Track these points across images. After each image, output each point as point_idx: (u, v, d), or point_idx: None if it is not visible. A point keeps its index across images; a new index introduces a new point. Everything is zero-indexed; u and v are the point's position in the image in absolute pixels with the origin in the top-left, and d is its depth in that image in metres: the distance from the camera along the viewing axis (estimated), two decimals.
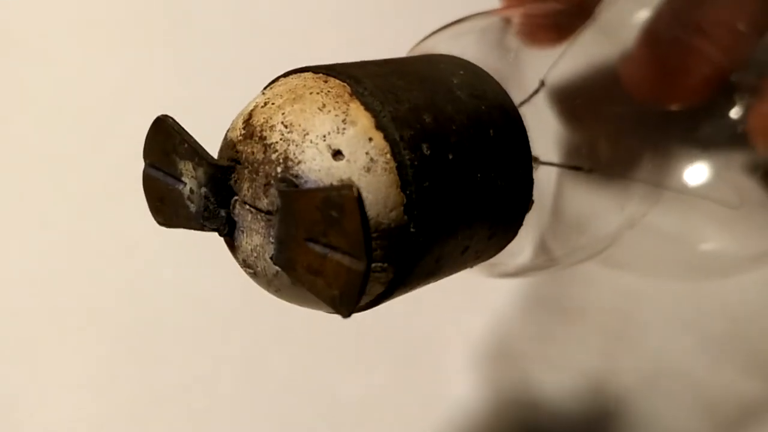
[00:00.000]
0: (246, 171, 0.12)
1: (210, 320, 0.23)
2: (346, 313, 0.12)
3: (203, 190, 0.13)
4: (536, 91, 0.18)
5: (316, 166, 0.12)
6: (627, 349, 0.23)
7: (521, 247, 0.18)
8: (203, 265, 0.23)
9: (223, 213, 0.13)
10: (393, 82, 0.13)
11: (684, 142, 0.24)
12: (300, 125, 0.12)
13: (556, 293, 0.20)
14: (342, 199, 0.11)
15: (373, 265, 0.12)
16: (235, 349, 0.23)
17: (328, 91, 0.12)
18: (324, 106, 0.12)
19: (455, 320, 0.22)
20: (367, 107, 0.12)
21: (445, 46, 0.17)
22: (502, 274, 0.17)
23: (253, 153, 0.12)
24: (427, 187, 0.12)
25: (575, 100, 0.21)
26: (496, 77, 0.16)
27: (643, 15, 0.24)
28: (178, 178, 0.13)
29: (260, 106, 0.13)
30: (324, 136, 0.12)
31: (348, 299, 0.11)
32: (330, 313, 0.13)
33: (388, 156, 0.12)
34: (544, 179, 0.19)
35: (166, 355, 0.23)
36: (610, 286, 0.24)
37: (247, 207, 0.13)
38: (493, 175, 0.14)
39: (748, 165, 0.25)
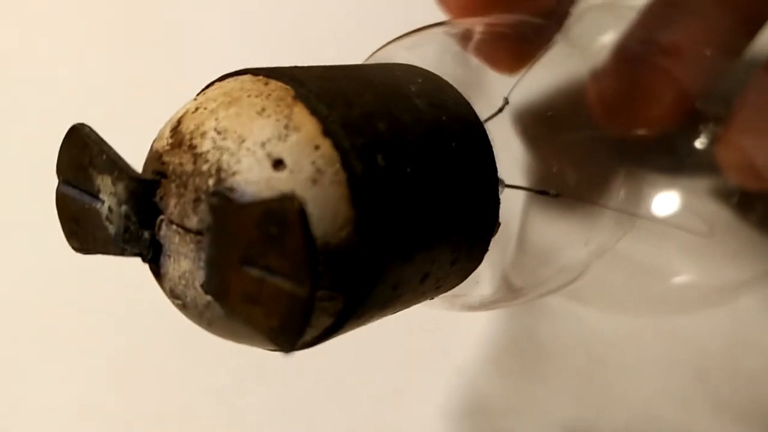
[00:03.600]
0: (173, 185, 0.11)
1: (190, 351, 0.21)
2: (288, 348, 0.10)
3: (123, 208, 0.11)
4: (500, 110, 0.17)
5: (253, 178, 0.10)
6: (605, 396, 0.22)
7: (485, 277, 0.16)
8: None
9: (146, 235, 0.11)
10: (342, 86, 0.11)
11: (650, 169, 0.23)
12: (236, 131, 0.10)
13: (526, 338, 0.19)
14: (283, 212, 0.09)
15: (320, 293, 0.10)
16: (214, 382, 0.22)
17: (269, 94, 0.11)
18: (263, 110, 0.11)
19: (421, 374, 0.20)
20: (313, 111, 0.11)
21: (402, 57, 0.16)
22: (465, 306, 0.16)
23: (181, 164, 0.11)
24: (382, 203, 0.11)
25: (540, 122, 0.20)
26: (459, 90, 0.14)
27: (609, 36, 0.24)
28: (95, 196, 0.11)
29: (191, 111, 0.11)
30: (263, 143, 0.10)
31: (289, 331, 0.10)
32: (269, 350, 0.11)
33: (338, 166, 0.10)
34: (509, 205, 0.17)
35: (143, 386, 0.22)
36: (581, 328, 0.23)
37: (174, 227, 0.11)
38: (455, 192, 0.12)
39: (719, 191, 0.24)
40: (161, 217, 0.11)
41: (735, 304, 0.24)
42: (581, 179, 0.21)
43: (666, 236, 0.22)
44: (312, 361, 0.20)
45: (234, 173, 0.10)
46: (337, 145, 0.10)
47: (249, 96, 0.11)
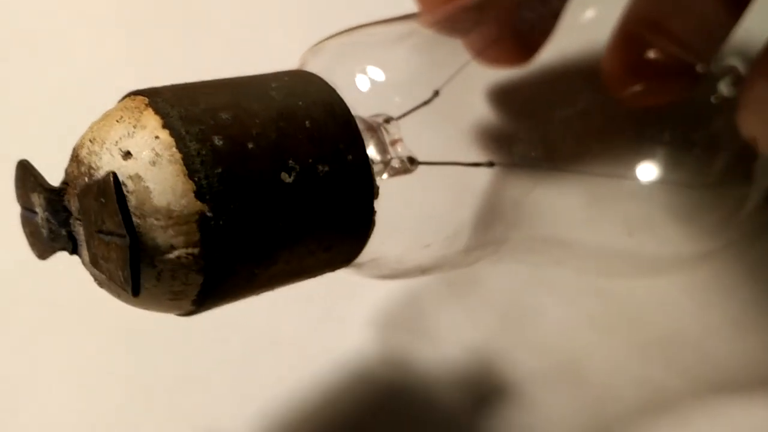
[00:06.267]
0: (71, 189, 0.14)
1: (206, 318, 0.23)
2: (132, 292, 0.12)
3: (45, 214, 0.14)
4: (427, 102, 0.19)
5: (110, 169, 0.13)
6: (522, 334, 0.23)
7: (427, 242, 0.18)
8: None
9: (63, 232, 0.14)
10: (196, 90, 0.14)
11: (658, 137, 0.24)
12: (100, 137, 0.13)
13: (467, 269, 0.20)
14: (104, 184, 0.12)
15: (179, 252, 0.13)
16: (231, 348, 0.23)
17: (129, 106, 0.14)
18: (121, 117, 0.14)
19: (353, 285, 0.21)
20: (158, 111, 0.13)
21: (355, 49, 0.18)
22: (390, 273, 0.17)
23: (73, 171, 0.14)
24: (220, 173, 0.13)
25: (531, 94, 0.22)
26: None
27: (590, 14, 0.25)
28: (34, 211, 0.15)
29: (85, 131, 0.14)
30: (116, 142, 0.13)
31: (129, 277, 0.12)
32: (124, 301, 0.14)
33: (173, 149, 0.13)
34: (479, 177, 0.19)
35: (159, 352, 0.23)
36: (516, 269, 0.24)
37: (78, 222, 0.14)
38: (311, 160, 0.14)
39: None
40: (72, 216, 0.14)
41: (686, 277, 0.24)
42: (567, 148, 0.22)
43: (650, 199, 0.22)
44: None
45: (98, 168, 0.13)
46: (173, 134, 0.13)
47: (116, 110, 0.14)
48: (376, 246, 0.16)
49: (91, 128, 0.14)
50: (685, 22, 0.24)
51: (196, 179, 0.13)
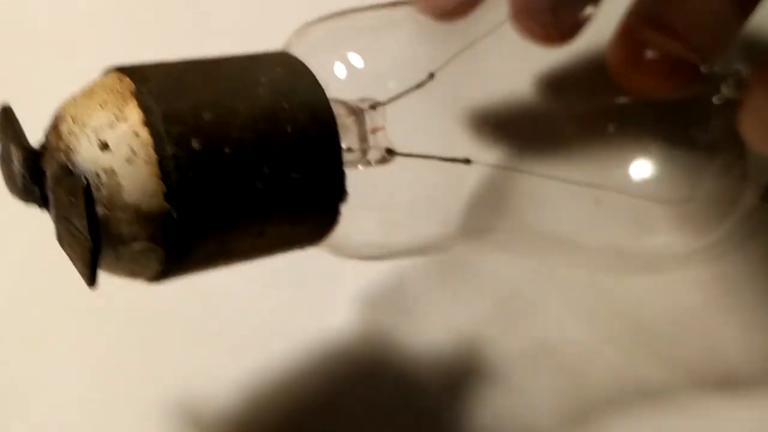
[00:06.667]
0: (48, 156, 0.14)
1: (210, 311, 0.23)
2: (89, 284, 0.13)
3: (20, 169, 0.15)
4: (420, 84, 0.19)
5: (87, 156, 0.13)
6: (512, 322, 0.23)
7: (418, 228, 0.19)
8: None
9: (36, 191, 0.15)
10: (185, 81, 0.14)
11: (658, 132, 0.24)
12: (82, 119, 0.14)
13: (463, 259, 0.20)
14: (76, 187, 0.13)
15: (140, 244, 0.14)
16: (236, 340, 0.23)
17: (116, 90, 0.14)
18: (106, 102, 0.14)
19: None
20: (141, 105, 0.14)
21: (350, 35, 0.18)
22: (354, 255, 0.18)
23: (52, 141, 0.14)
24: (191, 178, 0.14)
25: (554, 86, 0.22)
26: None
27: (590, 10, 0.24)
28: (12, 160, 0.15)
29: (68, 99, 0.14)
30: (96, 130, 0.13)
31: (87, 273, 0.13)
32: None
33: (150, 149, 0.13)
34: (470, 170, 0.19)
35: (140, 323, 0.23)
36: (517, 265, 0.24)
37: (51, 188, 0.14)
38: (286, 167, 0.15)
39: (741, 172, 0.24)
40: (46, 177, 0.15)
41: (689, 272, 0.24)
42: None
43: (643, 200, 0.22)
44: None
45: (75, 151, 0.13)
46: (152, 133, 0.13)
47: (102, 90, 0.14)
48: (350, 229, 0.17)
49: (75, 101, 0.14)
50: (688, 19, 0.23)
51: (168, 182, 0.13)
